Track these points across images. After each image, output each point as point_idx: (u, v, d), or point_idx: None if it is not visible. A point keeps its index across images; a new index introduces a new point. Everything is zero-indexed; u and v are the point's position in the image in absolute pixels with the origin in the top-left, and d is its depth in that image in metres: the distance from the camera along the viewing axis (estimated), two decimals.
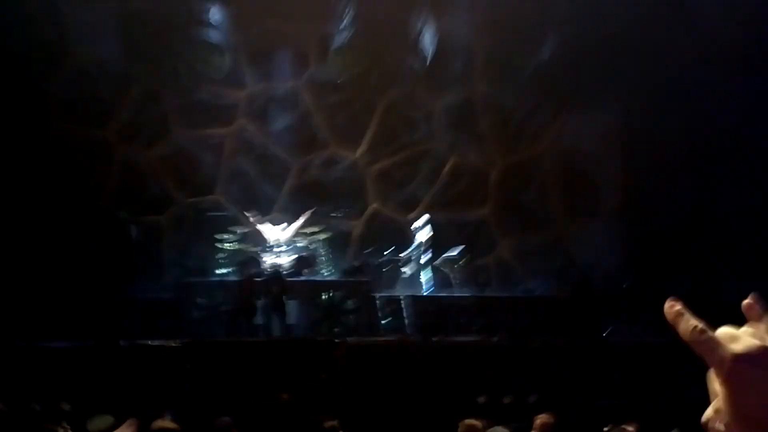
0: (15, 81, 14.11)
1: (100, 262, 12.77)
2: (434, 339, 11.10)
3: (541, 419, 6.26)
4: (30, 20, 14.20)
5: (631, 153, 15.13)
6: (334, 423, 6.55)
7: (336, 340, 10.84)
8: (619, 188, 15.26)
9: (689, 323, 0.76)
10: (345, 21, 15.16)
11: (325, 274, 13.45)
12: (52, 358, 9.84)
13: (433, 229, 14.32)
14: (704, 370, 0.78)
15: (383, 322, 12.11)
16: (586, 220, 15.14)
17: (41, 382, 9.40)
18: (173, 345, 10.23)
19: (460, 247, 14.23)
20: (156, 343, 10.27)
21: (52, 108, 14.90)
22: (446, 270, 13.84)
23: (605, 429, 6.64)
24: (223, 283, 12.66)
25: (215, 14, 14.78)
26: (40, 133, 14.41)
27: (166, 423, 5.20)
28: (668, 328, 0.78)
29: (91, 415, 8.16)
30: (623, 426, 5.79)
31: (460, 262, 13.82)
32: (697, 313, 0.77)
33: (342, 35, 15.24)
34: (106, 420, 7.55)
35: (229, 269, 13.24)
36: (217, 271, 13.19)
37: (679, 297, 0.79)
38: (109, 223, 13.69)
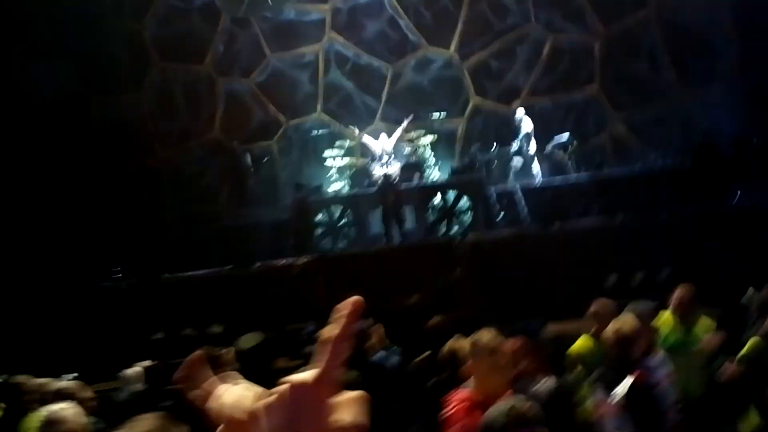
0: (106, 27, 14.56)
1: (220, 191, 13.36)
2: (554, 227, 10.94)
3: (679, 290, 6.08)
4: None
5: (743, 12, 13.80)
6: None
7: (456, 240, 10.94)
8: (732, 49, 14.03)
9: None
10: None
11: (436, 176, 13.43)
12: (193, 286, 10.55)
13: (540, 115, 13.88)
14: None
15: (500, 216, 12.05)
16: (702, 85, 14.12)
17: (188, 309, 10.12)
18: (302, 261, 10.68)
19: (570, 130, 13.78)
20: (284, 262, 10.76)
21: (150, 49, 15.37)
22: (558, 156, 13.46)
23: (750, 292, 6.39)
24: (338, 198, 12.97)
25: None
26: (144, 74, 14.94)
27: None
28: None
29: (239, 335, 8.69)
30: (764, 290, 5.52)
31: (572, 145, 13.37)
32: None
33: None
34: (256, 337, 7.96)
35: (342, 183, 13.51)
36: (331, 188, 13.48)
37: None
38: (224, 153, 14.19)
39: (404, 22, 16.05)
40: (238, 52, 16.05)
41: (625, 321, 4.31)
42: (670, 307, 6.02)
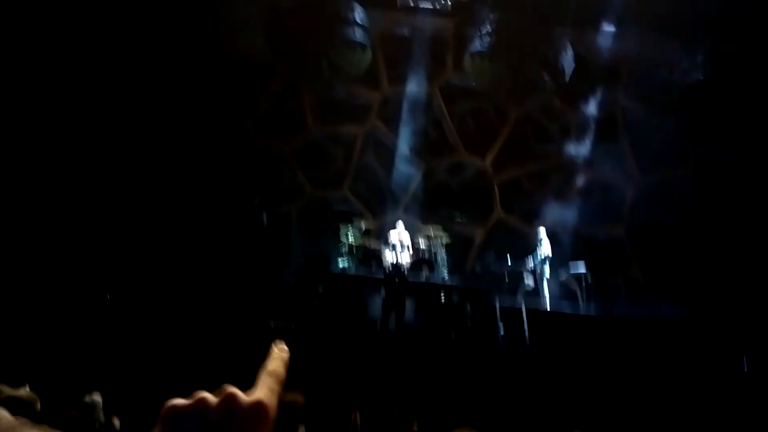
0: (166, 71, 14.93)
1: (233, 245, 13.26)
2: (553, 355, 10.65)
3: None
4: (184, 12, 15.00)
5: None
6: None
7: (454, 343, 10.67)
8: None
9: None
10: (486, 27, 15.03)
11: (445, 277, 13.25)
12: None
13: (561, 242, 13.82)
14: None
15: (501, 332, 11.76)
16: (729, 245, 14.04)
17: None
18: (291, 327, 10.44)
19: (587, 264, 13.63)
20: (277, 323, 10.52)
21: (200, 96, 15.67)
22: (572, 285, 13.28)
23: None
24: (345, 276, 12.82)
25: (359, 12, 15.06)
26: (186, 119, 15.18)
27: (294, 395, 5.22)
28: None
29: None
30: None
31: (587, 279, 13.20)
32: None
33: (482, 40, 15.10)
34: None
35: (350, 263, 13.38)
36: (339, 263, 13.35)
37: None
38: (243, 209, 14.21)
39: (447, 124, 16.39)
40: (283, 117, 16.35)
41: None
42: None
